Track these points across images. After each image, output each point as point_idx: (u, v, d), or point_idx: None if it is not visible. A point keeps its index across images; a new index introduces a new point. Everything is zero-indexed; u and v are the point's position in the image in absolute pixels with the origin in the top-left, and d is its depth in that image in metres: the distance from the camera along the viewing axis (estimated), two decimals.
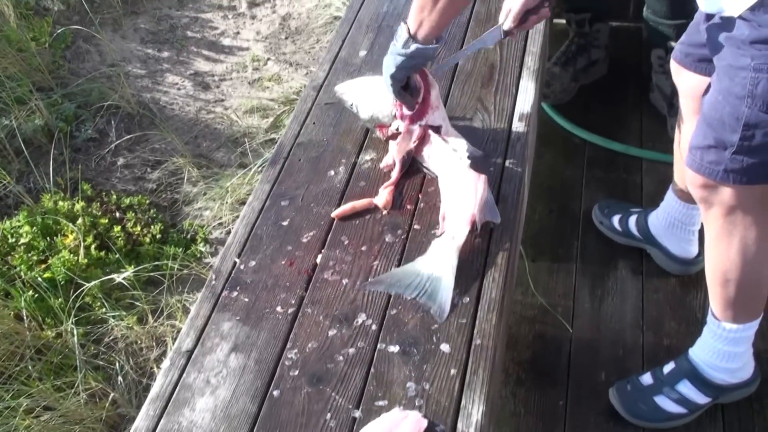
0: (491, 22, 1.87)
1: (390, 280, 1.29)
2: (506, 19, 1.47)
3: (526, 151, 1.56)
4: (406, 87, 1.47)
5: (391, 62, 1.43)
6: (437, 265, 1.28)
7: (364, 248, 1.37)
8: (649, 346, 1.83)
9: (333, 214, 1.43)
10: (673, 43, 2.23)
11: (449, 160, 1.42)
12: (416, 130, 1.48)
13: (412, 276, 1.28)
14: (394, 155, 1.50)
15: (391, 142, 1.53)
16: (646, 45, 2.49)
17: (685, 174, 1.45)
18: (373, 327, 1.23)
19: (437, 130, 1.48)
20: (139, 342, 2.14)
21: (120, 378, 2.04)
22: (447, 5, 1.32)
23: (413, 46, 1.38)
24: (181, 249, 2.39)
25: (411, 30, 1.38)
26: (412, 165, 1.51)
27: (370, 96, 1.55)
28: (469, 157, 1.41)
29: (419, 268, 1.29)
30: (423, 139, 1.48)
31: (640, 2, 2.37)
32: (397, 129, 1.52)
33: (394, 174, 1.48)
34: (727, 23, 1.23)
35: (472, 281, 1.29)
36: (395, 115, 1.52)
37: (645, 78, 2.51)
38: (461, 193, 1.36)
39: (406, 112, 1.49)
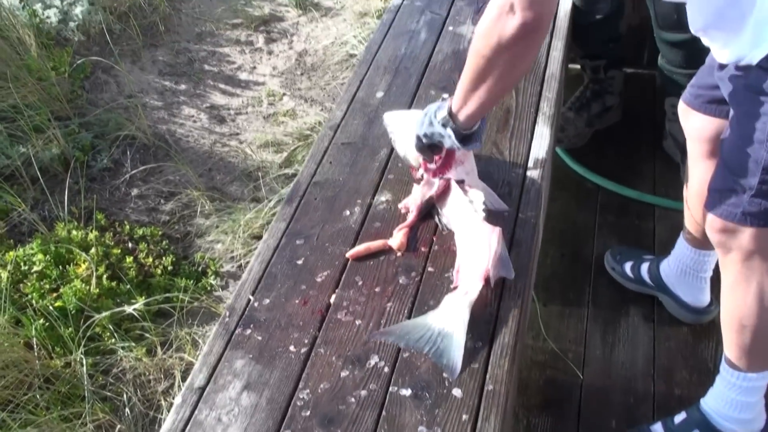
0: None
1: (400, 331, 1.27)
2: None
3: (540, 196, 1.57)
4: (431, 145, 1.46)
5: (425, 126, 1.42)
6: (449, 320, 1.27)
7: (377, 289, 1.37)
8: (660, 394, 1.82)
9: (348, 255, 1.43)
10: None
11: (465, 212, 1.42)
12: (436, 182, 1.49)
13: (423, 330, 1.27)
14: (414, 199, 1.51)
15: (415, 185, 1.54)
16: (659, 92, 2.51)
17: (703, 218, 1.45)
18: (386, 369, 1.23)
19: (461, 183, 1.49)
20: (147, 374, 2.14)
21: (127, 410, 2.04)
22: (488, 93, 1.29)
23: (450, 128, 1.37)
24: (192, 281, 2.40)
25: (453, 108, 1.36)
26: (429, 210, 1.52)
27: (407, 134, 1.54)
28: (484, 210, 1.41)
29: (430, 322, 1.28)
30: (445, 190, 1.49)
31: (654, 50, 2.40)
32: (422, 176, 1.52)
33: (410, 217, 1.49)
34: (745, 70, 1.25)
35: (485, 326, 1.29)
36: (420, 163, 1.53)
37: (658, 125, 2.52)
38: (475, 246, 1.36)
39: (430, 165, 1.50)
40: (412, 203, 1.51)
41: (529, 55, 1.23)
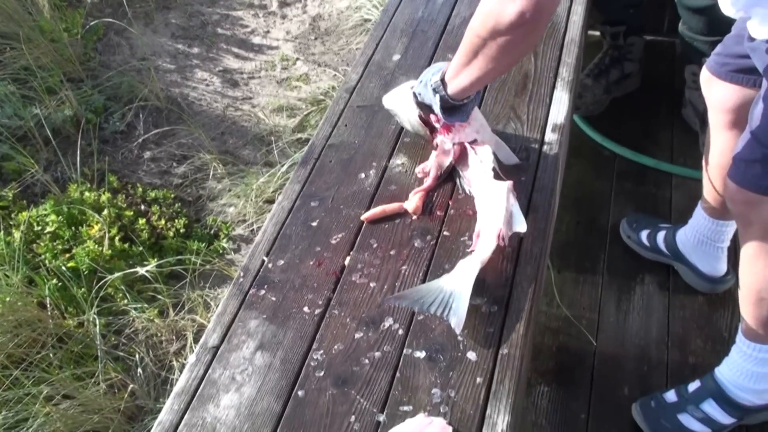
0: None
1: (414, 296, 1.25)
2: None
3: (558, 162, 1.55)
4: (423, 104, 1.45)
5: (420, 85, 1.41)
6: (459, 280, 1.25)
7: (392, 252, 1.36)
8: (674, 363, 1.82)
9: (363, 217, 1.42)
10: None
11: (479, 173, 1.41)
12: (451, 149, 1.47)
13: (436, 292, 1.24)
14: (432, 164, 1.49)
15: (433, 151, 1.52)
16: (679, 60, 2.47)
17: (723, 188, 1.43)
18: (400, 332, 1.23)
19: (473, 143, 1.47)
20: (159, 335, 2.15)
21: (139, 370, 2.05)
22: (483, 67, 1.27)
23: (438, 95, 1.36)
24: (204, 244, 2.40)
25: (447, 76, 1.34)
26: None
27: (408, 110, 1.52)
28: (493, 169, 1.39)
29: (443, 284, 1.26)
30: (461, 153, 1.47)
31: (675, 17, 2.35)
32: (436, 144, 1.51)
33: (428, 181, 1.47)
34: None
35: (501, 290, 1.28)
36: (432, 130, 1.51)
37: (677, 93, 2.49)
38: (489, 206, 1.34)
39: (437, 124, 1.49)
40: (431, 167, 1.49)
41: (523, 44, 1.21)
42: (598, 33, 2.60)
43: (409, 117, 1.53)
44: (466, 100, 1.37)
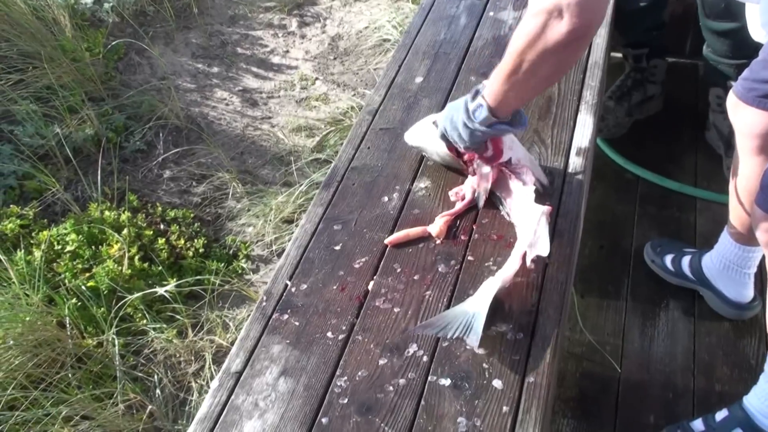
0: None
1: (440, 323, 1.23)
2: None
3: (582, 186, 1.53)
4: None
5: (461, 132, 1.36)
6: (479, 300, 1.24)
7: (416, 277, 1.35)
8: (700, 390, 1.78)
9: (386, 241, 1.41)
10: (733, 83, 2.19)
11: (519, 196, 1.40)
12: (489, 172, 1.46)
13: (461, 316, 1.23)
14: (467, 189, 1.48)
15: (470, 176, 1.51)
16: (702, 83, 2.45)
17: (752, 214, 1.40)
18: (425, 358, 1.21)
19: (508, 164, 1.45)
20: (178, 355, 2.14)
21: (158, 391, 2.04)
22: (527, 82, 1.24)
23: (493, 124, 1.31)
24: (223, 264, 2.40)
25: (491, 103, 1.29)
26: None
27: (434, 142, 1.50)
28: (536, 190, 1.39)
29: (467, 308, 1.24)
30: (498, 177, 1.46)
31: (697, 39, 2.34)
32: (473, 169, 1.49)
33: (459, 205, 1.46)
34: None
35: (526, 317, 1.26)
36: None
37: (701, 116, 2.47)
38: (524, 228, 1.33)
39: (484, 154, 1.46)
40: (465, 191, 1.48)
41: (573, 58, 1.21)
42: (620, 55, 2.58)
43: (437, 150, 1.52)
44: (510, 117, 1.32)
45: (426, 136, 1.54)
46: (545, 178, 1.51)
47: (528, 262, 1.30)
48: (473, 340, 1.18)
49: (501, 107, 1.28)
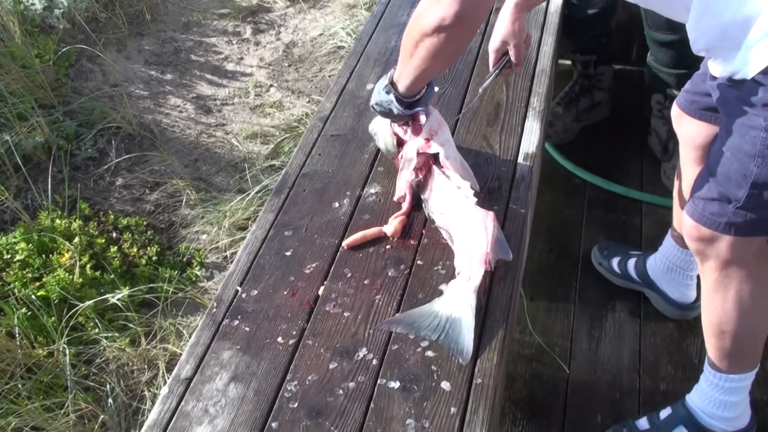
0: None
1: (408, 320, 1.27)
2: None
3: (530, 191, 1.56)
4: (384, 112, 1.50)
5: (375, 95, 1.48)
6: (455, 305, 1.27)
7: (366, 281, 1.36)
8: (645, 389, 1.83)
9: (344, 243, 1.42)
10: (674, 91, 2.26)
11: (455, 198, 1.42)
12: (414, 158, 1.48)
13: (431, 317, 1.27)
14: (401, 185, 1.51)
15: (399, 174, 1.54)
16: (647, 89, 2.52)
17: (682, 224, 1.45)
18: (374, 362, 1.22)
19: (436, 157, 1.48)
20: (131, 364, 2.12)
21: (110, 400, 2.02)
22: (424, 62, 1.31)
23: (393, 95, 1.42)
24: (176, 272, 2.38)
25: (394, 77, 1.41)
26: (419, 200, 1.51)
27: (384, 128, 1.57)
28: (474, 195, 1.41)
29: (437, 309, 1.28)
30: (426, 174, 1.49)
31: (643, 47, 2.40)
32: (401, 158, 1.52)
33: (405, 205, 1.49)
34: (739, 83, 1.24)
35: (475, 319, 1.28)
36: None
37: (646, 122, 2.53)
38: (472, 232, 1.35)
39: (403, 136, 1.51)
40: (403, 189, 1.51)
41: (451, 47, 1.27)
42: (568, 62, 2.63)
43: (384, 134, 1.57)
44: (417, 95, 1.42)
45: (378, 122, 1.60)
46: (476, 182, 1.52)
47: (491, 266, 1.32)
48: (463, 356, 1.22)
49: (400, 82, 1.39)
